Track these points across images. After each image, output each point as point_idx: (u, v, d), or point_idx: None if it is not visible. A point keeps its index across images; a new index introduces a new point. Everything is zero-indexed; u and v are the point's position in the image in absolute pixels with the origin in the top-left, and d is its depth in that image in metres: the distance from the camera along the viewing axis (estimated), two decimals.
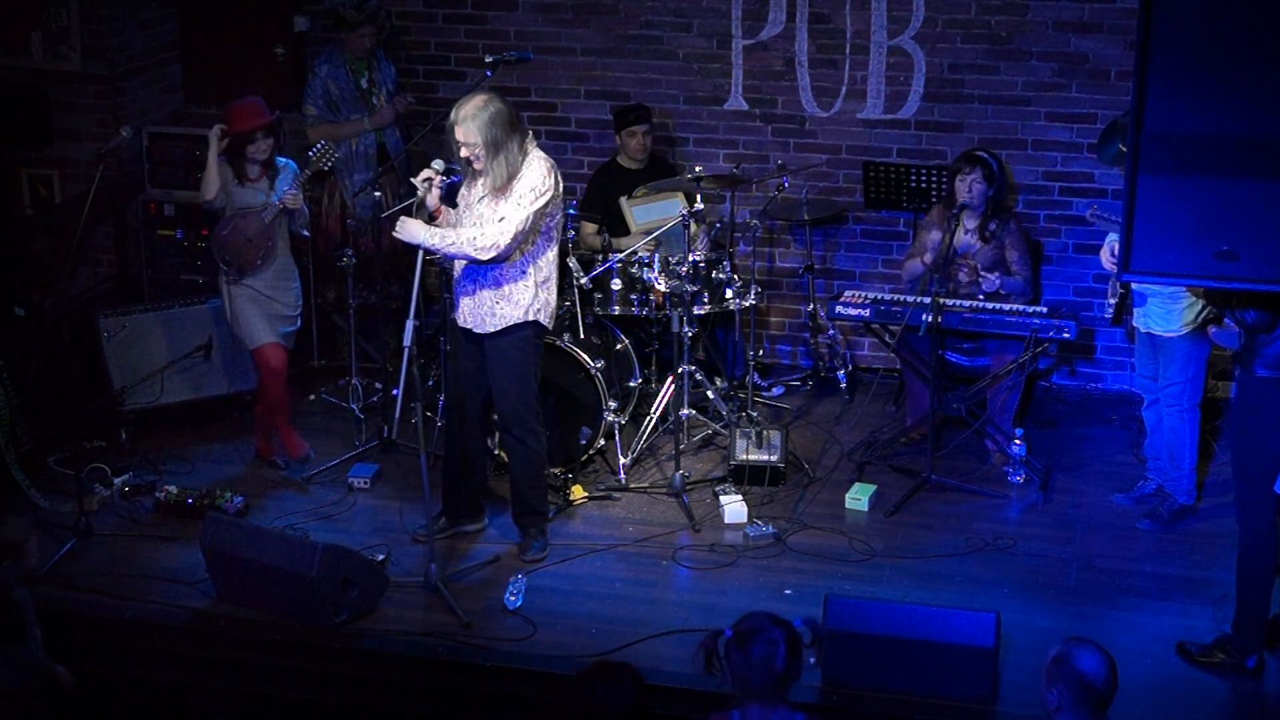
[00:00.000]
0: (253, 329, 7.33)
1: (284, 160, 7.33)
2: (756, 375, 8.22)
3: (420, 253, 6.31)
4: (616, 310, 7.73)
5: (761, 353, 8.69)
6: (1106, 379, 8.41)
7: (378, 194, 8.15)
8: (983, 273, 7.50)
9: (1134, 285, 6.71)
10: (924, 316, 7.08)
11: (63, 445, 7.45)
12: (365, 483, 7.34)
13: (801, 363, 8.76)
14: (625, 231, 8.10)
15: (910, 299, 7.41)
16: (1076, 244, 8.23)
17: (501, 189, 6.27)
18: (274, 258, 7.27)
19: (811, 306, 8.45)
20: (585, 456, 7.41)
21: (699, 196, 7.62)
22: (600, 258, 7.72)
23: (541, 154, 6.37)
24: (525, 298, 6.39)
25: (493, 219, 6.25)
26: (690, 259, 7.34)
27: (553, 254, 6.47)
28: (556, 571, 6.63)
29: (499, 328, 6.42)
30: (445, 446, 6.92)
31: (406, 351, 6.13)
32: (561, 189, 6.43)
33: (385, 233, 7.89)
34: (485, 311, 6.42)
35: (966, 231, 7.60)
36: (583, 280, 7.54)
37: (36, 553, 5.77)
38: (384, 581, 6.39)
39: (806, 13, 8.32)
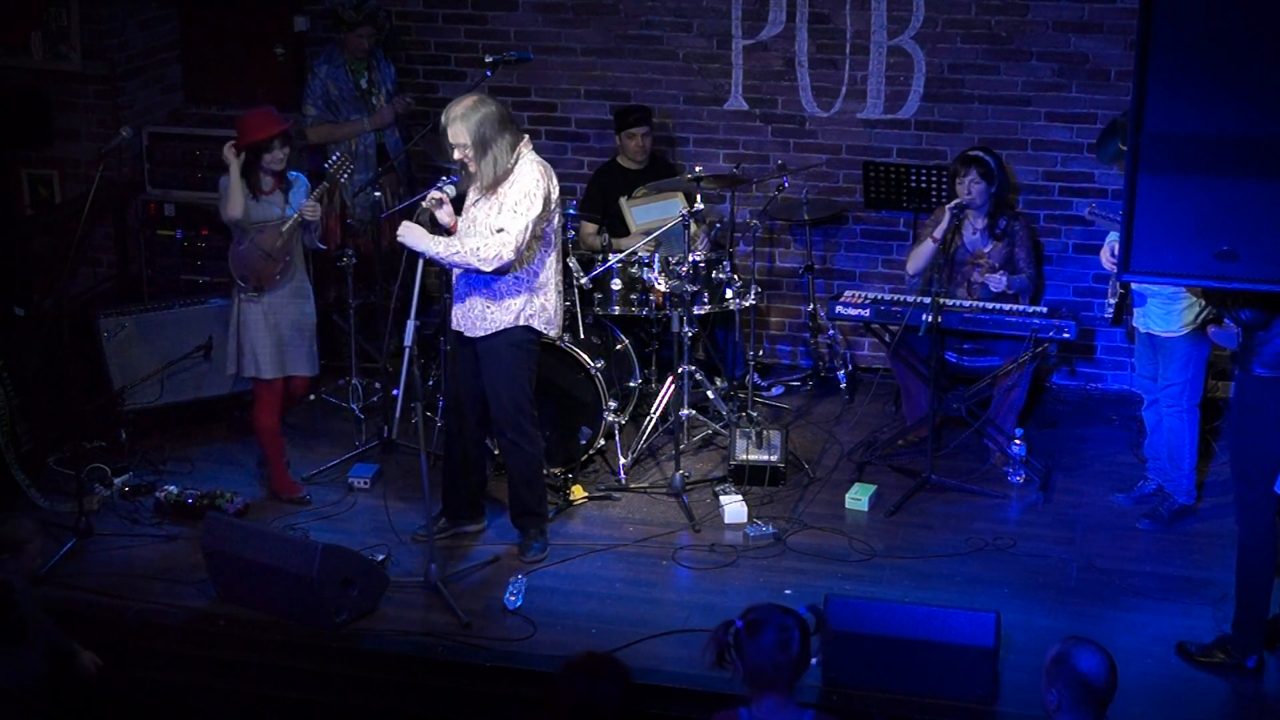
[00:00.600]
0: (258, 358, 7.04)
1: (294, 174, 7.12)
2: (756, 375, 8.22)
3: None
4: (616, 310, 7.73)
5: (761, 353, 8.69)
6: (1106, 379, 8.41)
7: (377, 194, 8.14)
8: (987, 274, 7.50)
9: (1134, 285, 6.71)
10: (924, 316, 7.08)
11: (63, 445, 7.45)
12: (365, 483, 7.34)
13: (801, 363, 8.76)
14: (625, 232, 8.10)
15: (910, 299, 7.41)
16: (1076, 244, 8.23)
17: (490, 189, 6.29)
18: (292, 272, 7.06)
19: (811, 306, 8.45)
20: (585, 456, 7.41)
21: (699, 196, 7.62)
22: (600, 258, 7.72)
23: (535, 157, 6.37)
24: (517, 303, 6.39)
25: (490, 228, 6.26)
26: (690, 259, 7.34)
27: (551, 259, 6.46)
28: (556, 571, 6.63)
29: (489, 332, 6.42)
30: (445, 447, 6.91)
31: (407, 351, 6.13)
32: (558, 193, 6.43)
33: (385, 233, 7.90)
34: (476, 315, 6.43)
35: (975, 231, 7.60)
36: (583, 280, 7.54)
37: (39, 555, 5.77)
38: (384, 581, 6.39)
39: (806, 13, 8.32)
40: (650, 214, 8.05)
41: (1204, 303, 6.32)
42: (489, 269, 6.24)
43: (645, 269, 7.63)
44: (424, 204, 6.39)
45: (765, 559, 6.72)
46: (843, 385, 8.33)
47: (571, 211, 7.80)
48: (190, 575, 6.56)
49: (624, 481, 7.36)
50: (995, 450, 7.49)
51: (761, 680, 4.05)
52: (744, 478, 7.29)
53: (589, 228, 8.18)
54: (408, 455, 7.44)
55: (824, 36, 8.33)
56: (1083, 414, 8.16)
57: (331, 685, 6.13)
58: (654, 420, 7.66)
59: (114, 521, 7.05)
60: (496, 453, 7.18)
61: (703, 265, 7.51)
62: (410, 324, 6.12)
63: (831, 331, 8.49)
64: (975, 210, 7.54)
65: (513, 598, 6.34)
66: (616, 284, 7.68)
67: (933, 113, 8.29)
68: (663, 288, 7.53)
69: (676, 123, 8.65)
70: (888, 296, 7.52)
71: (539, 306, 6.45)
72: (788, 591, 6.44)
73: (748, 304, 7.78)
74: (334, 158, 7.28)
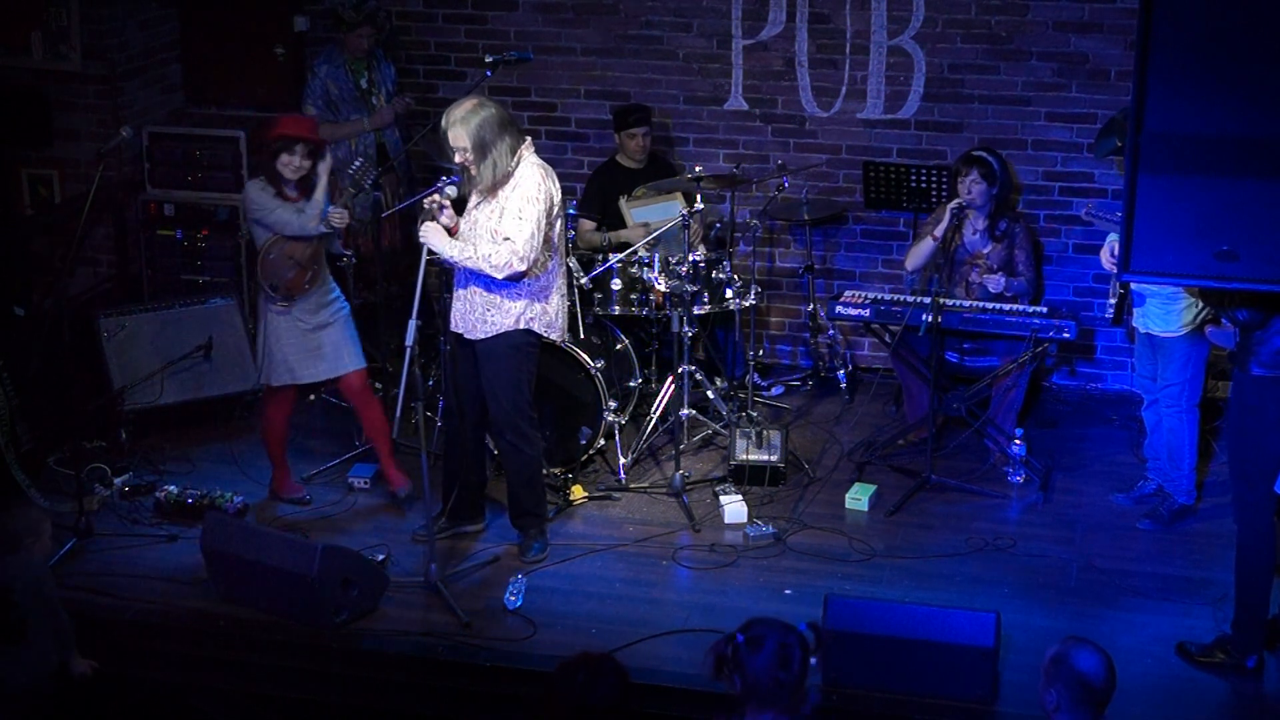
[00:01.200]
0: (291, 366, 6.97)
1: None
2: (756, 375, 8.22)
3: (423, 252, 6.32)
4: (616, 310, 7.73)
5: (761, 353, 8.69)
6: (1106, 379, 8.41)
7: (377, 194, 8.14)
8: (985, 275, 7.50)
9: (1133, 285, 6.71)
10: (924, 316, 7.08)
11: (63, 445, 7.45)
12: (365, 483, 7.34)
13: (801, 363, 8.76)
14: (624, 225, 8.09)
15: (910, 299, 7.41)
16: (1076, 244, 8.23)
17: (490, 191, 6.30)
18: (321, 280, 7.01)
19: (811, 306, 8.45)
20: (585, 456, 7.41)
21: (699, 196, 7.62)
22: (600, 258, 7.72)
23: (536, 160, 6.37)
24: (518, 307, 6.39)
25: (491, 231, 6.26)
26: (690, 259, 7.34)
27: (552, 264, 6.46)
28: (556, 571, 6.63)
29: (488, 334, 6.43)
30: (445, 447, 6.92)
31: (408, 351, 6.12)
32: (559, 194, 6.43)
33: (385, 233, 7.89)
34: (476, 318, 6.44)
35: (976, 232, 7.60)
36: (583, 280, 7.55)
37: (41, 556, 5.75)
38: (384, 581, 6.39)
39: (806, 13, 8.32)
40: (650, 214, 8.05)
41: (1203, 303, 6.32)
42: (501, 276, 6.26)
43: (645, 269, 7.63)
44: (424, 205, 6.39)
45: (765, 559, 6.72)
46: (843, 385, 8.34)
47: (571, 211, 7.80)
48: (190, 575, 6.56)
49: (624, 481, 7.36)
50: (995, 450, 7.49)
51: (760, 696, 4.02)
52: (744, 478, 7.29)
53: (587, 224, 8.18)
54: (408, 455, 7.43)
55: (824, 36, 8.33)
56: (1083, 414, 8.16)
57: (331, 685, 6.13)
58: (654, 420, 7.66)
59: (114, 521, 7.05)
60: (496, 453, 7.18)
61: (703, 265, 7.51)
62: (412, 323, 6.13)
63: (831, 331, 8.49)
64: (976, 211, 7.54)
65: (513, 598, 6.34)
66: (616, 284, 7.68)
67: (933, 113, 8.29)
68: (663, 288, 7.53)
69: (676, 123, 8.65)
70: (888, 296, 7.52)
71: (540, 310, 6.45)
72: (788, 591, 6.44)
73: (748, 304, 7.78)
74: (356, 164, 7.18)
